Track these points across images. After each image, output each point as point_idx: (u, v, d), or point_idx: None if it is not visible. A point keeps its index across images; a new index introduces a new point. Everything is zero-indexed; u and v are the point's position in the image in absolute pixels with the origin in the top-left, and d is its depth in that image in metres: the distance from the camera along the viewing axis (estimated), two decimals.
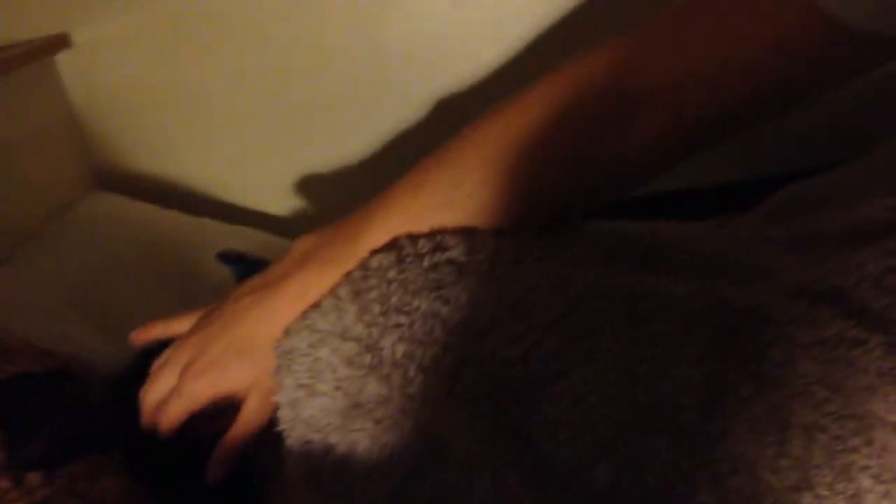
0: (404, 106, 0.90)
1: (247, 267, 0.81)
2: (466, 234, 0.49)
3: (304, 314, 0.50)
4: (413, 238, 0.49)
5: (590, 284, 0.46)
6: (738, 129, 0.48)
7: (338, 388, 0.46)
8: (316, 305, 0.50)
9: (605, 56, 0.48)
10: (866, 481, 0.37)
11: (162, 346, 0.63)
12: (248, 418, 0.52)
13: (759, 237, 0.52)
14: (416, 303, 0.46)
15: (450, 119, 0.88)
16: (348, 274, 0.50)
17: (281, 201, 1.05)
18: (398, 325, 0.46)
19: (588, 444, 0.40)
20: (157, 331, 0.61)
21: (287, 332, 0.50)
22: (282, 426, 0.48)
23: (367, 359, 0.46)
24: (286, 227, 1.03)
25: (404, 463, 0.42)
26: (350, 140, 0.97)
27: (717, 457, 0.38)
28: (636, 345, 0.42)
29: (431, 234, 0.49)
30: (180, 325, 0.59)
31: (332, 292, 0.50)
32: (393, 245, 0.50)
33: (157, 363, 0.57)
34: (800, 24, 0.42)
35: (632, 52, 0.48)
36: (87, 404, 0.62)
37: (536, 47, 0.84)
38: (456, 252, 0.48)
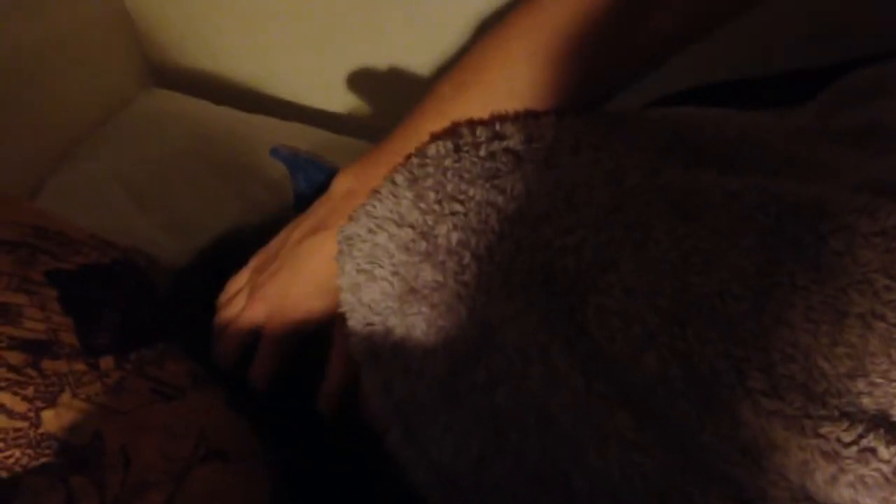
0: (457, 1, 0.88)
1: (301, 164, 0.82)
2: (525, 122, 0.49)
3: (365, 201, 0.51)
4: (472, 126, 0.49)
5: (643, 178, 0.46)
6: None
7: (395, 273, 0.47)
8: (375, 191, 0.50)
9: None
10: None
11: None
12: (341, 354, 0.53)
13: (820, 130, 0.51)
14: (471, 191, 0.46)
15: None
16: (406, 160, 0.50)
17: (333, 97, 1.05)
18: (453, 213, 0.46)
19: (638, 333, 0.40)
20: None
21: (349, 218, 0.51)
22: (343, 309, 0.49)
23: (423, 245, 0.46)
24: (338, 124, 1.03)
25: (459, 347, 0.44)
26: (402, 35, 0.95)
27: (770, 345, 0.38)
28: (687, 237, 0.42)
29: (490, 122, 0.49)
30: None
31: (390, 178, 0.50)
32: (451, 132, 0.50)
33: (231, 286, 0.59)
34: None
35: None
36: (151, 293, 0.64)
37: None
38: (514, 141, 0.48)
